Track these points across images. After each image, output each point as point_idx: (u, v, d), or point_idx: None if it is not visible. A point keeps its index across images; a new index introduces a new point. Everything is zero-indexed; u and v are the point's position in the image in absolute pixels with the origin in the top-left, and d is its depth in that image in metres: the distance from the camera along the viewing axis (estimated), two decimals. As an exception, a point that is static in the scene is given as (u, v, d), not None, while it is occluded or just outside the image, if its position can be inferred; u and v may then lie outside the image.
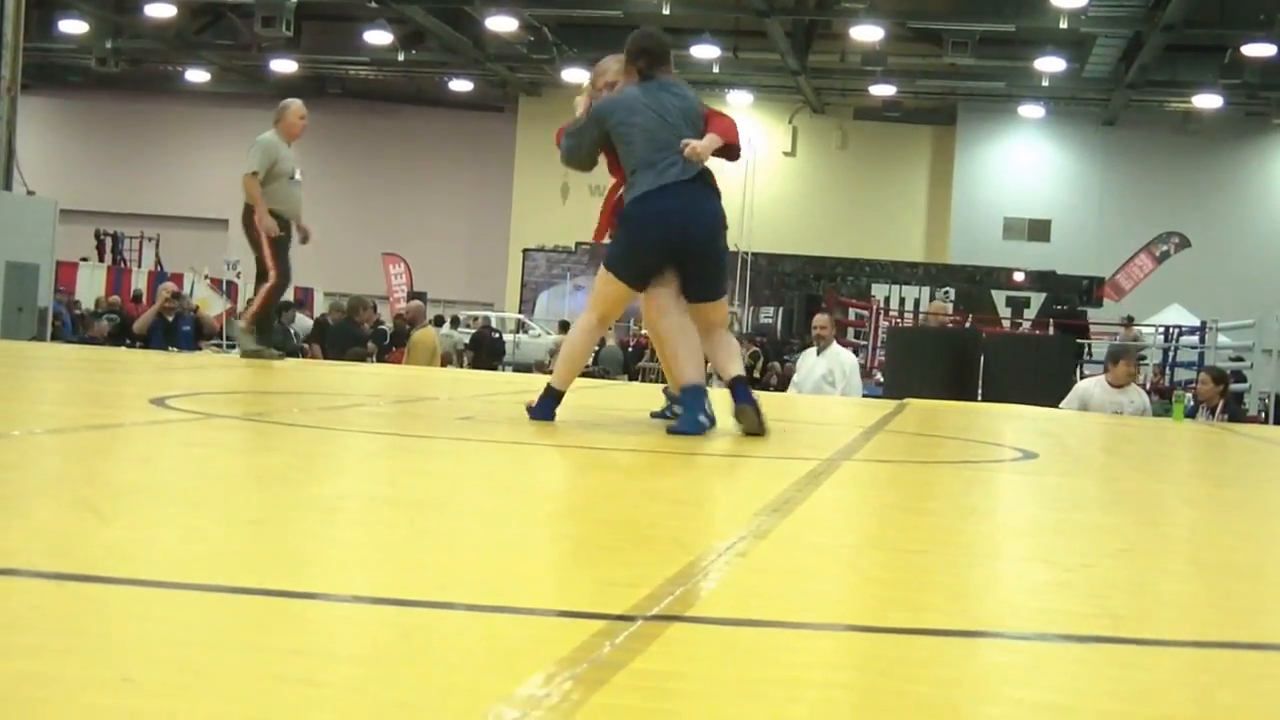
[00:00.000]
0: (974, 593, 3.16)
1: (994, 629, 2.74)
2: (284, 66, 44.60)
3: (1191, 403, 15.81)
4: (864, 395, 15.93)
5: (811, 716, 1.94)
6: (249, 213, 13.70)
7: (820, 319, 16.54)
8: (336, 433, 6.82)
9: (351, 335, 21.54)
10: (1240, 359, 25.92)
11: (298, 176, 13.95)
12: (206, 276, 30.75)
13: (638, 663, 2.14)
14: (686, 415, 7.00)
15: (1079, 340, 25.62)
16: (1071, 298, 36.11)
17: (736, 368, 7.23)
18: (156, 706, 1.76)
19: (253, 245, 13.84)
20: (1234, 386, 21.84)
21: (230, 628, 2.30)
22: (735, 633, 2.49)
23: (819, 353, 15.91)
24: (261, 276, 13.94)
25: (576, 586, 2.91)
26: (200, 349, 20.32)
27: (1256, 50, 35.66)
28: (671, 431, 6.95)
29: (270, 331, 14.78)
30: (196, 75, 48.57)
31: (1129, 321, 29.96)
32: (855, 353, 25.81)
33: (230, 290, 29.86)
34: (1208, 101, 41.44)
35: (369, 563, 3.06)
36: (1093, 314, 31.67)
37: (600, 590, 2.81)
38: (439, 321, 30.38)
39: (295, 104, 14.15)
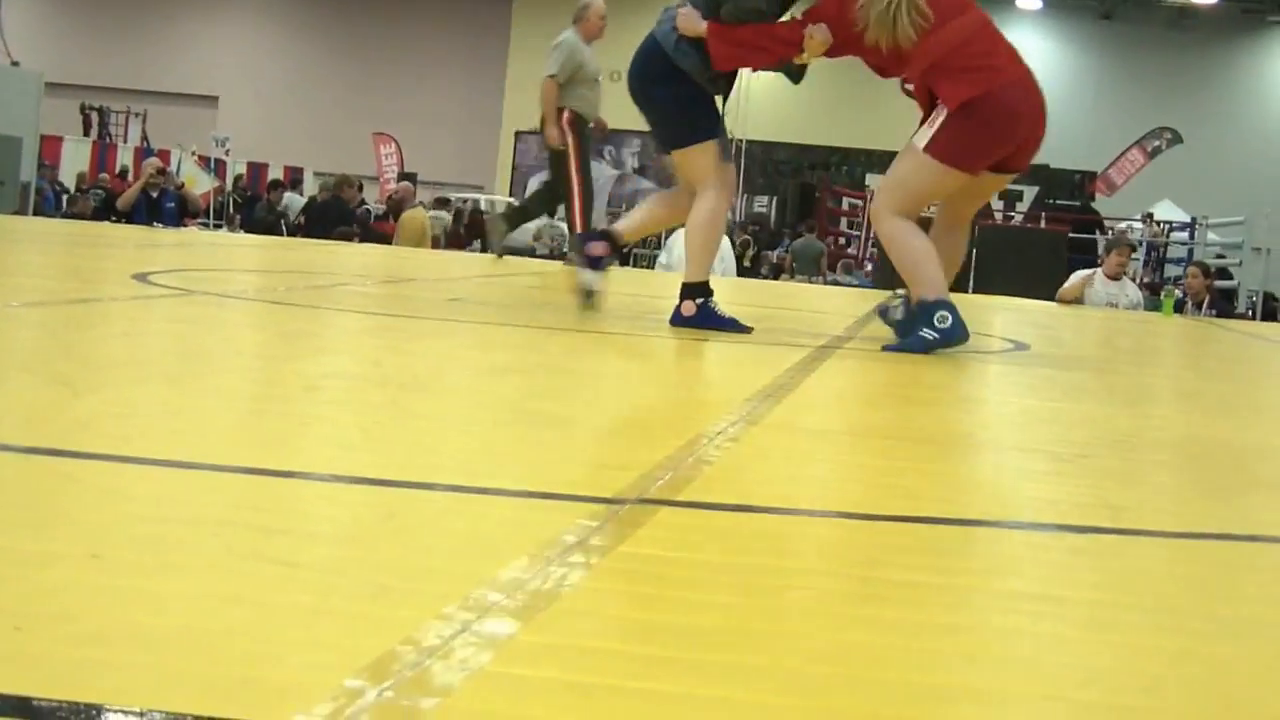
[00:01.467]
0: (969, 482, 3.13)
1: (989, 518, 2.71)
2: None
3: (1181, 296, 15.79)
4: (856, 286, 15.87)
5: (803, 604, 1.89)
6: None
7: None
8: (321, 311, 6.77)
9: (337, 213, 21.41)
10: (1228, 256, 25.93)
11: (599, 78, 13.55)
12: (194, 154, 30.50)
13: (624, 547, 2.09)
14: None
15: (1088, 236, 25.48)
16: (1079, 199, 35.91)
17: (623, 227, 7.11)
18: (125, 584, 1.70)
19: (553, 152, 13.51)
20: (1223, 283, 21.87)
21: (206, 505, 2.25)
22: (726, 518, 2.45)
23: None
24: (557, 191, 13.64)
25: (563, 469, 2.86)
26: (186, 226, 20.22)
27: (1256, -52, 35.49)
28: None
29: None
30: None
31: (1148, 218, 29.86)
32: (847, 243, 25.78)
33: (218, 168, 29.69)
34: (1203, -2, 41.33)
35: (350, 442, 3.00)
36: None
37: (587, 473, 2.76)
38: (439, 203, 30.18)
39: (597, 3, 13.67)
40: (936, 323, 6.17)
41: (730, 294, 10.54)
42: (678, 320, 6.64)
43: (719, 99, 6.77)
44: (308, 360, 4.70)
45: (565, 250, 12.99)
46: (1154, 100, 43.23)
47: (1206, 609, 2.05)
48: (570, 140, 12.95)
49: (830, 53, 6.37)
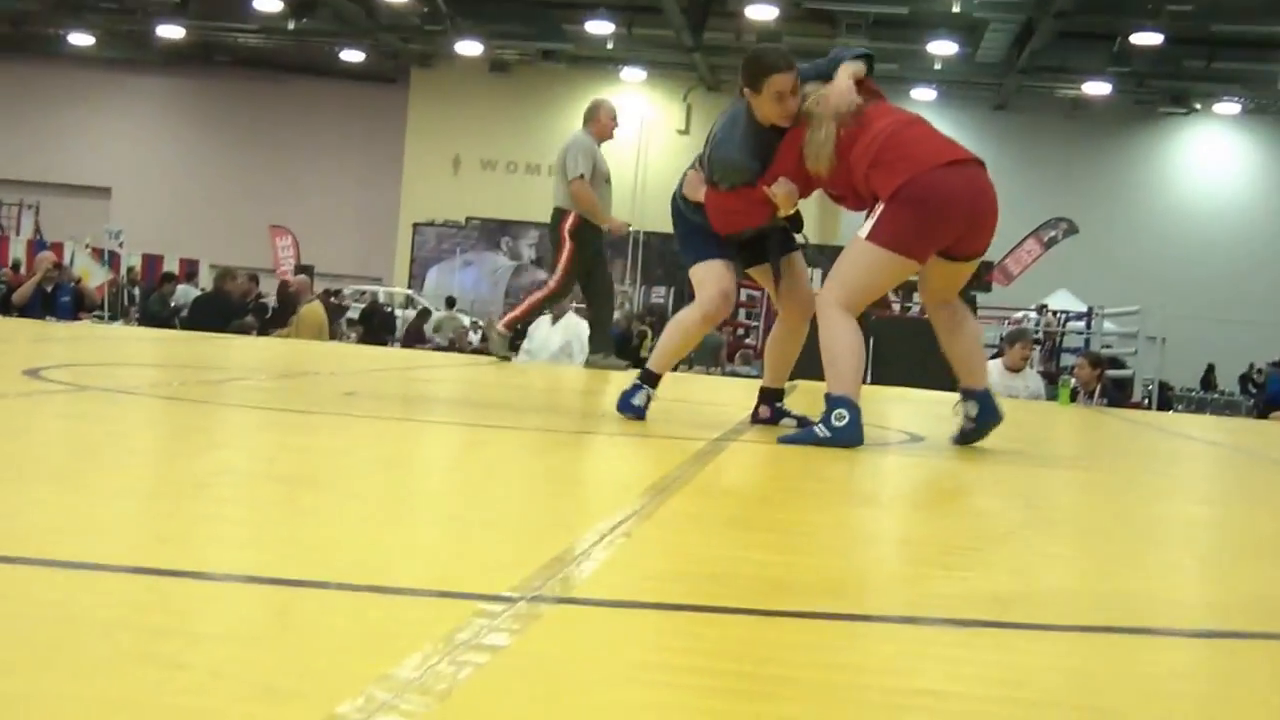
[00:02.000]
0: (857, 576, 3.15)
1: (879, 613, 2.73)
2: (171, 32, 44.05)
3: (1075, 386, 16.01)
4: (754, 377, 15.92)
5: (691, 702, 1.90)
6: (559, 216, 13.22)
7: None
8: (215, 407, 6.73)
9: (219, 306, 21.21)
10: (1124, 345, 26.23)
11: (610, 179, 13.49)
12: (88, 246, 30.29)
13: (517, 644, 2.10)
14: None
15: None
16: (976, 289, 36.15)
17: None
18: (13, 686, 1.70)
19: (554, 247, 13.44)
20: (1118, 373, 22.11)
21: (95, 606, 2.23)
22: (616, 614, 2.46)
23: (554, 322, 15.86)
24: (598, 284, 13.73)
25: (456, 566, 2.86)
26: (80, 319, 20.06)
27: (1145, 39, 36.11)
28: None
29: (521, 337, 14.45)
30: (80, 39, 47.65)
31: (1043, 309, 30.18)
32: (745, 333, 25.90)
33: (112, 260, 29.49)
34: (1097, 89, 41.91)
35: (242, 540, 2.99)
36: (983, 298, 31.87)
37: (480, 570, 2.76)
38: (328, 296, 30.13)
39: (608, 104, 13.62)
40: (834, 420, 6.23)
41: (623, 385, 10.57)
42: (621, 405, 7.01)
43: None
44: (200, 457, 4.68)
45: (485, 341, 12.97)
46: (1050, 190, 43.83)
47: (1091, 702, 2.08)
48: (568, 244, 12.96)
49: (802, 194, 6.69)
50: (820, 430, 6.27)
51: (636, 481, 4.50)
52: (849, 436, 6.21)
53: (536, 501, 4.06)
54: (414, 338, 22.26)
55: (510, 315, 14.07)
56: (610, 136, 13.37)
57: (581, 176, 12.80)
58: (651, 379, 7.06)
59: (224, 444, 5.30)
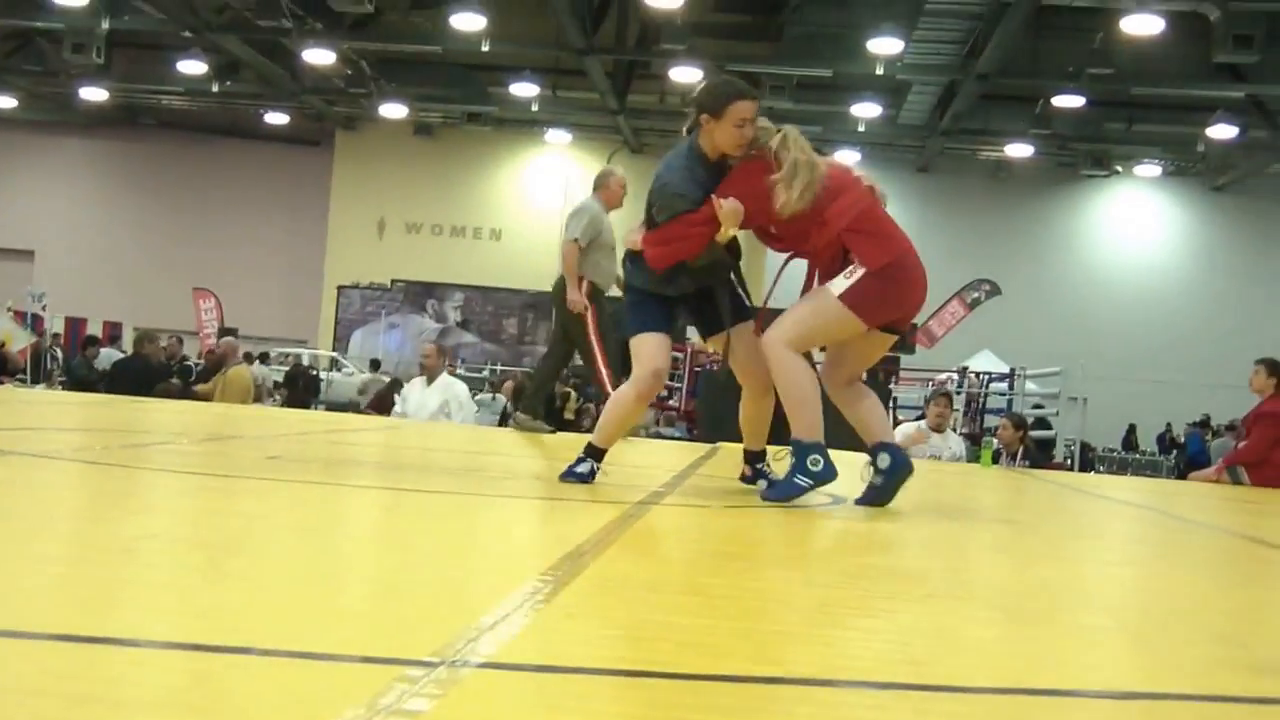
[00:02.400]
0: (778, 638, 3.16)
1: (796, 675, 2.75)
2: (95, 95, 43.81)
3: (998, 447, 16.09)
4: (677, 438, 15.93)
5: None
6: (564, 285, 13.10)
7: (427, 349, 16.49)
8: (139, 471, 6.70)
9: (140, 370, 21.01)
10: (1042, 406, 26.39)
11: (615, 246, 13.36)
12: (10, 309, 30.03)
13: (437, 709, 2.12)
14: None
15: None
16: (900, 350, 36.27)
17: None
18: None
19: (563, 313, 13.35)
20: (1041, 433, 22.23)
21: (15, 674, 2.24)
22: (538, 679, 2.48)
23: (429, 383, 15.87)
24: (563, 355, 13.75)
25: (378, 631, 2.87)
26: (3, 383, 19.90)
27: (1066, 101, 36.42)
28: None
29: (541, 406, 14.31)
30: (3, 101, 47.31)
31: (963, 371, 30.35)
32: (669, 395, 25.91)
33: (35, 324, 29.25)
34: (1019, 150, 42.21)
35: (164, 606, 2.99)
36: (907, 360, 32.00)
37: (402, 635, 2.77)
38: (251, 359, 29.94)
39: (618, 172, 13.53)
40: (809, 465, 6.58)
41: (553, 449, 10.59)
42: (565, 474, 7.05)
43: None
44: (124, 522, 4.66)
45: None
46: (973, 252, 44.05)
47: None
48: (588, 308, 12.90)
49: (744, 224, 6.81)
50: (801, 480, 6.60)
51: (559, 545, 4.51)
52: (828, 475, 6.61)
53: (459, 565, 4.07)
54: (382, 405, 22.15)
55: (599, 385, 13.95)
56: (619, 205, 13.29)
57: (575, 241, 12.78)
58: (597, 453, 7.11)
59: (148, 509, 5.29)
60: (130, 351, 25.04)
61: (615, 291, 12.86)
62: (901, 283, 6.80)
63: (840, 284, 6.67)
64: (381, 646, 2.65)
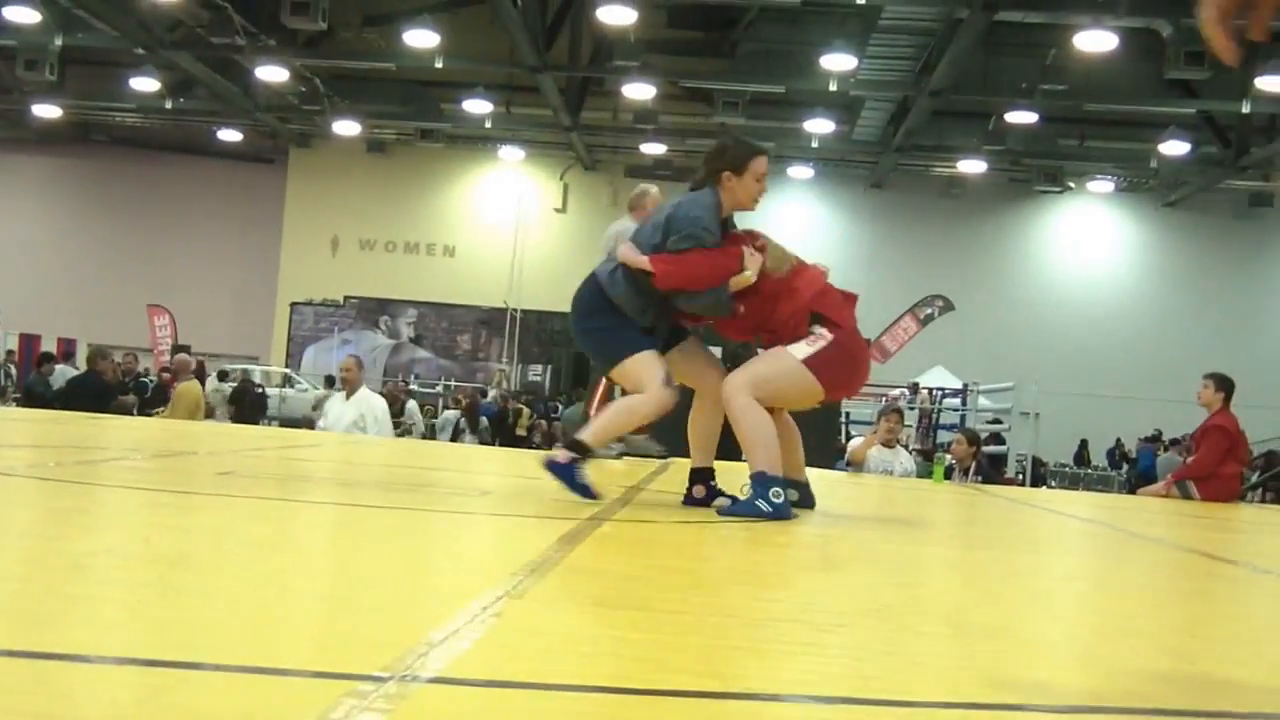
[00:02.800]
0: (727, 653, 3.18)
1: (744, 690, 2.76)
2: (47, 111, 43.61)
3: (951, 463, 16.16)
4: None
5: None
6: None
7: (347, 363, 16.44)
8: (91, 487, 6.68)
9: (93, 387, 20.94)
10: (999, 421, 26.49)
11: None
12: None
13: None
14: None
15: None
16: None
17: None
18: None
19: None
20: (994, 449, 22.32)
21: (-33, 690, 2.24)
22: (487, 694, 2.49)
23: (348, 397, 15.91)
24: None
25: (328, 646, 2.88)
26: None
27: (1019, 118, 36.60)
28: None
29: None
30: (-45, 119, 47.32)
31: (915, 387, 30.46)
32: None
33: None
34: (972, 167, 42.32)
35: (116, 621, 3.00)
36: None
37: (352, 650, 2.78)
38: (205, 375, 29.82)
39: (653, 191, 13.42)
40: (772, 497, 6.89)
41: (502, 465, 10.59)
42: (550, 463, 7.13)
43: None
44: (76, 538, 4.65)
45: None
46: (926, 268, 44.17)
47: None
48: None
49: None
50: (763, 505, 6.87)
51: (509, 561, 4.53)
52: (786, 511, 6.90)
53: (410, 581, 4.08)
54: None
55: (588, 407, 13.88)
56: None
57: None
58: (586, 451, 7.17)
59: (100, 525, 5.28)
60: (84, 369, 24.93)
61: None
62: (859, 357, 7.42)
63: (803, 349, 7.09)
64: (332, 661, 2.66)
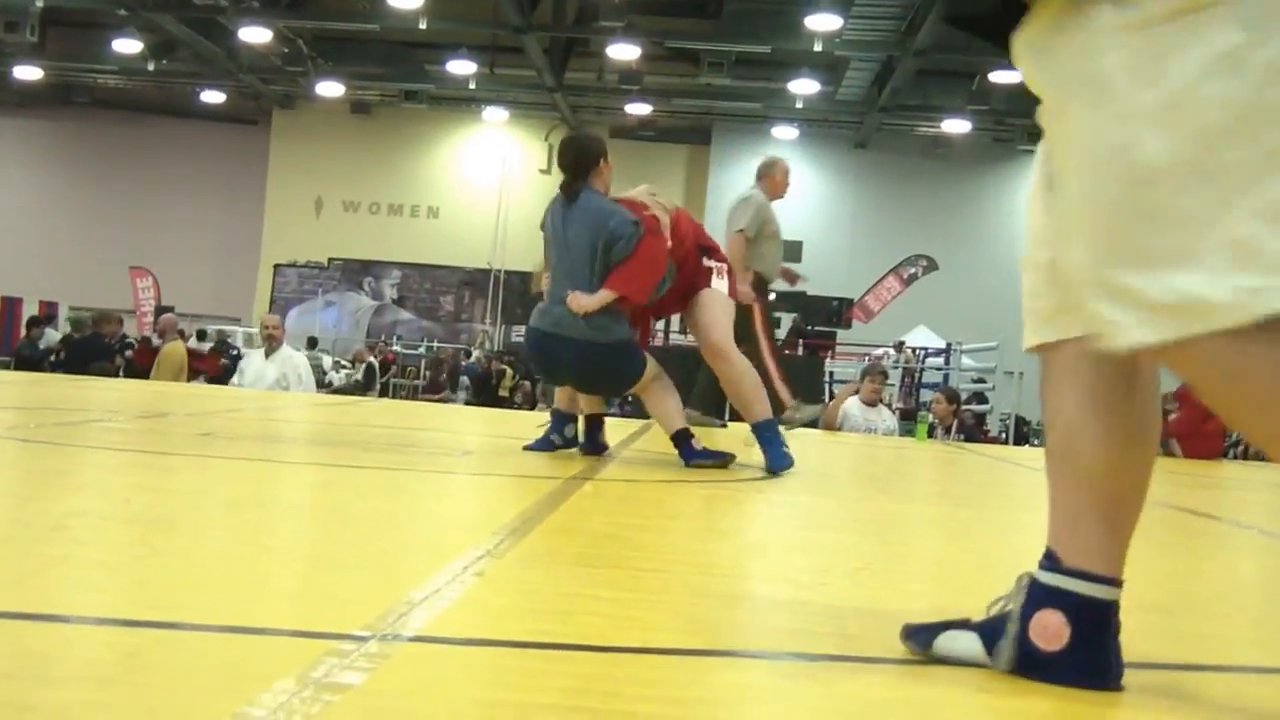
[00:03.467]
0: (708, 612, 3.17)
1: (725, 648, 2.76)
2: (28, 74, 43.42)
3: (933, 421, 16.19)
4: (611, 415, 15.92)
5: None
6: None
7: (270, 319, 16.33)
8: (71, 449, 6.67)
9: (99, 349, 21.04)
10: (983, 380, 26.53)
11: (780, 236, 13.17)
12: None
13: (368, 683, 2.12)
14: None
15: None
16: (836, 325, 36.43)
17: None
18: None
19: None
20: (978, 408, 22.35)
21: (-57, 650, 2.23)
22: (468, 652, 2.48)
23: (268, 355, 15.82)
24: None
25: (309, 606, 2.87)
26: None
27: (1004, 77, 36.51)
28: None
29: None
30: (-65, 81, 47.10)
31: (900, 346, 30.48)
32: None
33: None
34: (957, 126, 42.27)
35: (94, 582, 2.98)
36: (843, 335, 32.10)
37: (333, 610, 2.77)
38: (186, 336, 29.72)
39: (782, 162, 13.31)
40: (782, 439, 7.59)
41: (486, 425, 10.58)
42: (687, 460, 7.42)
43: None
44: (55, 499, 4.64)
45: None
46: (909, 228, 44.14)
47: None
48: (755, 302, 12.77)
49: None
50: (787, 450, 7.56)
51: (490, 520, 4.52)
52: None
53: (391, 540, 4.07)
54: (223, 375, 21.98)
55: (783, 393, 13.83)
56: (782, 195, 13.16)
57: (742, 232, 12.64)
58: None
59: (80, 486, 5.26)
60: (66, 332, 24.93)
61: (781, 285, 12.88)
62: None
63: (723, 284, 7.79)
64: (313, 621, 2.64)
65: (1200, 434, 14.34)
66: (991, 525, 6.27)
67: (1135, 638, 2.54)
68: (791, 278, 13.63)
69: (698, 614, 3.09)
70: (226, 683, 2.11)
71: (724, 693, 2.38)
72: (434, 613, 2.72)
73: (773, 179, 13.17)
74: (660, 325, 25.84)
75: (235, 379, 16.27)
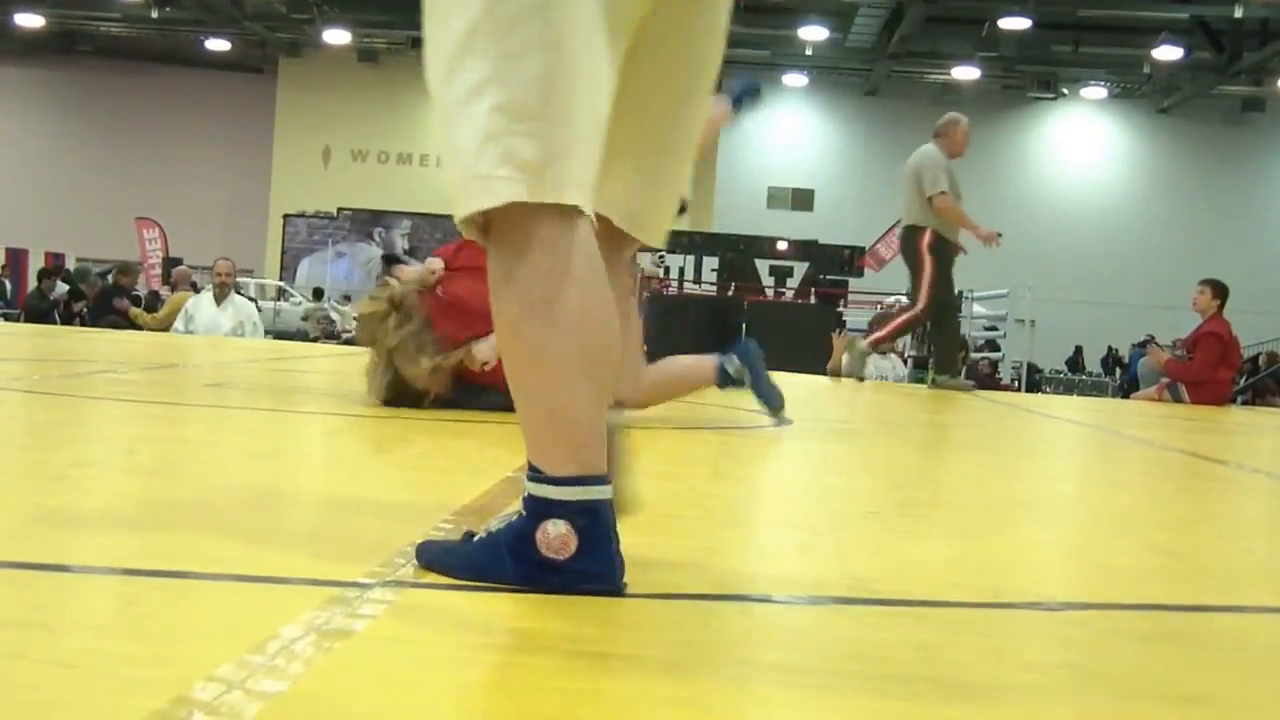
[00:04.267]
0: (720, 556, 3.16)
1: (737, 591, 2.74)
2: (30, 21, 43.33)
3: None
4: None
5: (541, 682, 1.91)
6: (914, 234, 13.07)
7: (223, 265, 16.16)
8: (77, 400, 6.66)
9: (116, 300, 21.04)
10: (994, 328, 26.50)
11: (961, 195, 13.19)
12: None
13: (370, 628, 2.10)
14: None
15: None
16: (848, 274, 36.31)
17: None
18: None
19: (912, 269, 13.21)
20: (989, 355, 22.36)
21: (-58, 599, 2.21)
22: (473, 597, 2.46)
23: (219, 302, 15.79)
24: (944, 302, 13.47)
25: (312, 552, 2.85)
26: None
27: (1013, 24, 36.49)
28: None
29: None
30: (-63, 30, 47.02)
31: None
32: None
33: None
34: (966, 73, 42.23)
35: (95, 530, 2.96)
36: (855, 283, 32.05)
37: (337, 556, 2.75)
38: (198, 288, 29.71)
39: (964, 121, 13.42)
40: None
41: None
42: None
43: None
44: (58, 449, 4.62)
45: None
46: (918, 176, 44.04)
47: (940, 674, 2.10)
48: (929, 262, 12.74)
49: None
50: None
51: (503, 466, 4.50)
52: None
53: (399, 487, 4.06)
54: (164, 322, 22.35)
55: (876, 335, 13.82)
56: (961, 154, 13.24)
57: (944, 193, 12.61)
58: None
59: (84, 437, 5.25)
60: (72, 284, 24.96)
61: (967, 240, 12.80)
62: None
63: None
64: (317, 568, 2.62)
65: (1210, 382, 14.34)
66: (1001, 471, 6.26)
67: (1146, 580, 2.53)
68: (990, 236, 13.51)
69: (708, 558, 3.08)
70: (228, 629, 2.09)
71: (732, 635, 2.36)
72: (439, 559, 2.70)
73: (952, 137, 13.15)
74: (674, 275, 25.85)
75: (180, 324, 16.03)
